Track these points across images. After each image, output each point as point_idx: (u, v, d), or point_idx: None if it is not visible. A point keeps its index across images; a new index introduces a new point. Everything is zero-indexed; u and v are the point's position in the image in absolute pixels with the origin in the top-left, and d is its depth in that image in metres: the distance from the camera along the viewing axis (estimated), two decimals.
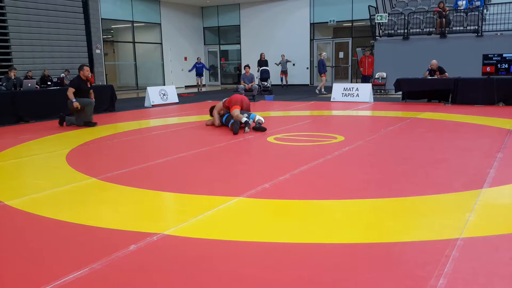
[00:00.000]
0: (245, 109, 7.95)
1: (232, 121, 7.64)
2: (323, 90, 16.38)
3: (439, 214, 3.53)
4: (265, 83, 16.27)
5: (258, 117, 7.84)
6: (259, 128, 7.67)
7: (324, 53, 17.46)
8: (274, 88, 17.12)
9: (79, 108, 8.60)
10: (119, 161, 5.76)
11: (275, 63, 19.78)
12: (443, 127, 7.80)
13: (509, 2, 13.80)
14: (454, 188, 4.17)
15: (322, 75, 16.66)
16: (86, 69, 8.82)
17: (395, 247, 2.91)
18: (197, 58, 19.99)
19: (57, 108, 10.57)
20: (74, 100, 8.57)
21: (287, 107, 11.79)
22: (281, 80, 20.05)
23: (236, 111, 7.70)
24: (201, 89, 19.68)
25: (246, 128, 7.54)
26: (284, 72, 20.00)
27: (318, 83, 18.19)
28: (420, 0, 16.31)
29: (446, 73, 11.69)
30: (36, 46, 14.57)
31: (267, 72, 16.66)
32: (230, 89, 19.31)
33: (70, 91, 8.62)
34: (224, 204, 3.80)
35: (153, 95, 13.32)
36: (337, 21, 20.48)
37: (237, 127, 7.42)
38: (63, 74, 13.94)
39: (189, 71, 19.82)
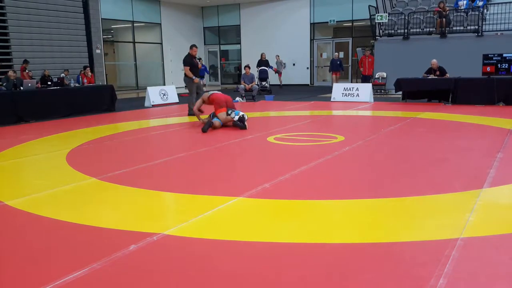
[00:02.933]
0: (229, 107, 8.14)
1: (212, 120, 7.95)
2: None
3: (439, 214, 3.53)
4: (264, 83, 16.27)
5: (242, 113, 8.03)
6: (240, 125, 7.83)
7: (336, 54, 18.64)
8: (271, 88, 17.11)
9: (196, 82, 9.28)
10: (119, 161, 5.76)
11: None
12: (443, 127, 7.79)
13: (509, 2, 13.79)
14: (454, 188, 4.17)
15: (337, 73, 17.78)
16: (194, 49, 9.77)
17: (395, 247, 2.91)
18: (199, 59, 19.91)
19: (57, 108, 10.61)
20: (193, 77, 9.39)
21: (287, 107, 11.79)
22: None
23: (222, 115, 7.93)
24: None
25: (240, 124, 7.82)
26: (278, 73, 19.89)
27: (330, 81, 18.56)
28: (420, 0, 16.30)
29: (447, 74, 11.67)
30: (36, 46, 14.55)
31: (265, 72, 16.67)
32: (230, 89, 19.30)
33: (187, 69, 9.44)
34: (224, 204, 3.80)
35: (153, 95, 13.32)
36: (337, 21, 20.46)
37: (207, 127, 7.69)
38: (63, 74, 13.92)
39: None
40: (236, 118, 7.86)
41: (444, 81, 11.45)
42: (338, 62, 17.71)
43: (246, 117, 8.00)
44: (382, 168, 5.08)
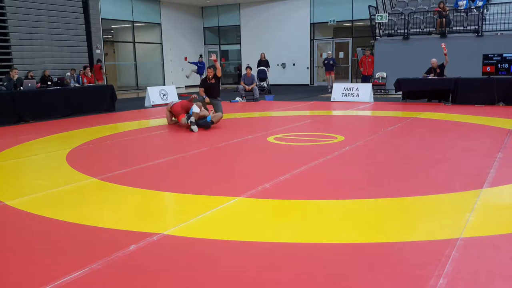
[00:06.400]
0: (187, 111, 8.33)
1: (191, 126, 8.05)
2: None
3: (439, 214, 3.54)
4: (262, 83, 16.22)
5: (215, 117, 8.24)
6: (204, 125, 8.00)
7: (330, 52, 18.31)
8: (271, 88, 17.00)
9: (208, 101, 9.23)
10: (119, 161, 5.76)
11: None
12: (443, 127, 7.79)
13: (509, 2, 13.80)
14: (454, 188, 4.17)
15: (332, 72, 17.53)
16: (208, 71, 9.73)
17: (395, 247, 2.91)
18: (199, 57, 19.86)
19: (57, 108, 10.61)
20: (205, 96, 9.34)
21: (287, 107, 11.79)
22: None
23: (183, 120, 8.18)
24: None
25: (192, 128, 7.87)
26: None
27: (328, 81, 18.21)
28: (420, 0, 16.30)
29: (445, 75, 11.70)
30: (36, 46, 14.54)
31: (264, 72, 16.63)
32: (230, 89, 19.31)
33: (201, 91, 9.56)
34: (224, 204, 3.80)
35: (153, 95, 13.32)
36: (337, 21, 20.45)
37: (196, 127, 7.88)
38: (68, 73, 13.80)
39: (191, 62, 19.76)
40: (191, 119, 7.97)
41: (444, 81, 11.45)
42: (331, 62, 17.52)
43: (215, 119, 8.22)
44: (382, 168, 5.08)
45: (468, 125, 7.95)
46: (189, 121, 7.94)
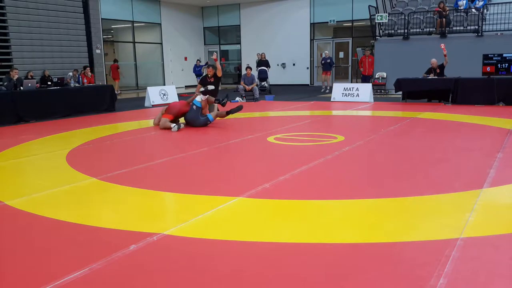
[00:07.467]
0: (180, 115, 8.45)
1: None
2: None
3: (439, 214, 3.54)
4: (263, 83, 16.20)
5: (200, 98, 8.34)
6: (233, 110, 8.34)
7: (327, 52, 18.12)
8: (271, 88, 16.95)
9: (208, 90, 9.20)
10: (119, 161, 5.76)
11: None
12: (443, 127, 7.79)
13: (509, 2, 13.79)
14: (454, 188, 4.17)
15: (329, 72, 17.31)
16: (208, 70, 9.74)
17: (395, 247, 2.91)
18: (197, 61, 19.88)
19: (57, 108, 10.61)
20: (202, 89, 9.34)
21: (287, 107, 11.79)
22: None
23: (163, 120, 8.23)
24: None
25: (173, 128, 7.96)
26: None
27: (323, 82, 18.04)
28: (420, 0, 16.31)
29: (445, 75, 11.71)
30: (36, 46, 14.54)
31: (264, 72, 16.62)
32: (231, 89, 19.31)
33: (199, 87, 9.61)
34: (224, 204, 3.80)
35: (153, 95, 13.33)
36: (337, 21, 20.46)
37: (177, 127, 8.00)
38: (70, 73, 13.75)
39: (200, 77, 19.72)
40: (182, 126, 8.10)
41: (444, 81, 11.45)
42: (328, 61, 17.38)
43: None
44: (382, 168, 5.08)
45: (468, 125, 7.95)
46: (173, 126, 7.99)
